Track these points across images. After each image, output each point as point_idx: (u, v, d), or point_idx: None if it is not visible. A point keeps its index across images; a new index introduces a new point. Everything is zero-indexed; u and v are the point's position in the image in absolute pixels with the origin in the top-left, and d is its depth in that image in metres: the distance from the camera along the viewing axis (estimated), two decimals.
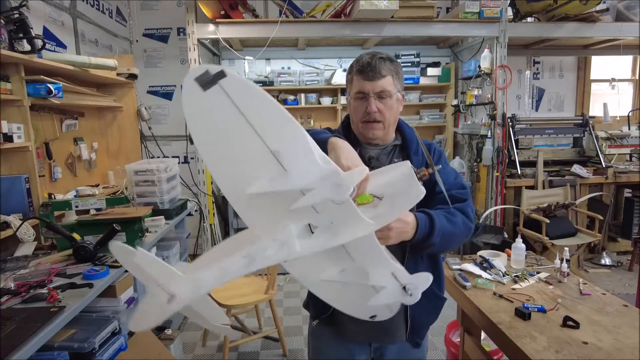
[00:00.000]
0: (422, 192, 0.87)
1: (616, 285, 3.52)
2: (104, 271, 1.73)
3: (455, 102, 4.44)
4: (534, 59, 4.77)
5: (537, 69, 4.81)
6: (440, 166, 1.00)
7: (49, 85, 2.12)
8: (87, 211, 2.29)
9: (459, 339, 2.09)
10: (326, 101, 4.42)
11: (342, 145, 1.01)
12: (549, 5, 3.60)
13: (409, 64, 4.37)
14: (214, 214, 3.71)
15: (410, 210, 1.05)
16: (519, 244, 1.96)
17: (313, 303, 1.38)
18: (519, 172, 3.87)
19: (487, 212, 3.74)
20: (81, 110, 2.78)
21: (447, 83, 4.55)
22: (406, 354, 1.32)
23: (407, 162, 0.91)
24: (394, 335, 1.28)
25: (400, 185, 0.88)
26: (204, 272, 0.82)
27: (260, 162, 0.72)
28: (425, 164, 1.06)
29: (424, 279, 0.93)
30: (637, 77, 4.96)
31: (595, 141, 4.09)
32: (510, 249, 2.03)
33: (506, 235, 3.60)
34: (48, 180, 2.45)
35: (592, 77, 4.88)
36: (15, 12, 2.02)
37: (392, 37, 3.90)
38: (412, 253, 1.21)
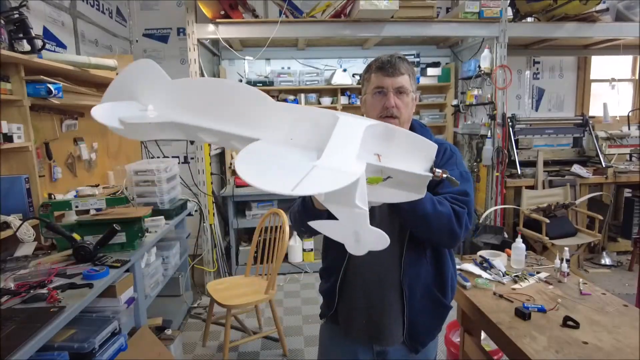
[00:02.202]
0: (422, 195, 0.92)
1: (616, 285, 3.52)
2: (103, 271, 1.73)
3: (455, 102, 4.44)
4: (533, 59, 4.77)
5: (537, 69, 4.82)
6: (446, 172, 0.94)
7: (48, 85, 2.12)
8: (87, 211, 2.29)
9: (459, 339, 2.09)
10: (326, 101, 4.42)
11: None
12: (548, 5, 3.60)
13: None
14: (214, 214, 3.71)
15: None
16: (519, 244, 1.97)
17: (323, 301, 1.41)
18: (519, 172, 3.87)
19: (487, 212, 3.74)
20: (81, 110, 2.78)
21: (447, 83, 4.55)
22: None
23: (432, 162, 0.89)
24: (391, 336, 1.28)
25: (411, 179, 0.88)
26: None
27: None
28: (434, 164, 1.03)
29: (379, 237, 0.85)
30: (637, 77, 4.96)
31: (595, 141, 4.09)
32: (510, 249, 2.03)
33: (506, 235, 3.60)
34: (48, 180, 2.44)
35: (592, 77, 4.88)
36: (15, 12, 2.02)
37: (392, 37, 3.90)
38: (408, 247, 1.22)
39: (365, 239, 0.87)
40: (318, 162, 0.76)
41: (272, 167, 0.78)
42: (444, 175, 0.88)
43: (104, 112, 0.89)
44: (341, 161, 0.78)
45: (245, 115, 0.90)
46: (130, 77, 0.96)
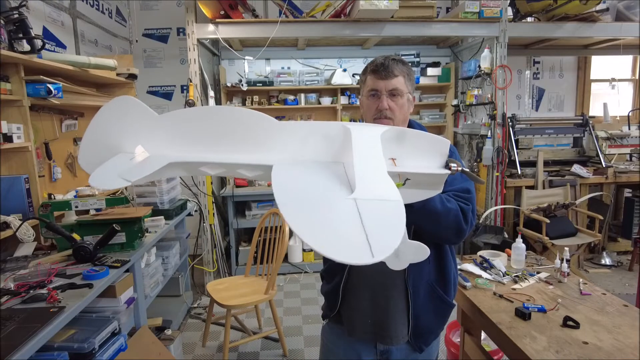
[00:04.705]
0: (439, 191, 0.92)
1: (616, 285, 3.52)
2: (103, 271, 1.73)
3: (455, 102, 4.44)
4: (534, 59, 4.77)
5: (537, 68, 4.82)
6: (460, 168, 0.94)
7: (48, 85, 2.12)
8: (86, 211, 2.29)
9: (459, 339, 2.09)
10: (326, 101, 4.42)
11: None
12: (548, 5, 3.60)
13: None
14: (213, 214, 3.71)
15: None
16: (519, 244, 1.96)
17: (325, 303, 1.41)
18: (519, 172, 3.88)
19: (487, 212, 3.74)
20: (81, 110, 2.78)
21: (447, 83, 4.55)
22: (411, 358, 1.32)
23: (446, 158, 0.89)
24: (396, 335, 1.28)
25: (429, 179, 0.88)
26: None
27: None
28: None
29: (419, 249, 0.86)
30: (637, 77, 4.96)
31: (595, 141, 4.09)
32: (510, 249, 2.03)
33: (506, 235, 3.60)
34: (48, 180, 2.44)
35: (592, 77, 4.88)
36: (15, 12, 2.02)
37: (392, 37, 3.90)
38: None
39: (405, 252, 0.85)
40: (357, 195, 0.66)
41: (330, 228, 0.62)
42: (459, 169, 0.88)
43: (102, 177, 0.78)
44: (381, 188, 0.70)
45: (250, 141, 0.81)
46: (109, 118, 0.83)
